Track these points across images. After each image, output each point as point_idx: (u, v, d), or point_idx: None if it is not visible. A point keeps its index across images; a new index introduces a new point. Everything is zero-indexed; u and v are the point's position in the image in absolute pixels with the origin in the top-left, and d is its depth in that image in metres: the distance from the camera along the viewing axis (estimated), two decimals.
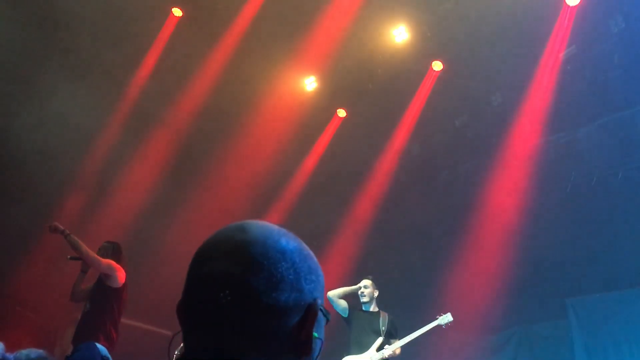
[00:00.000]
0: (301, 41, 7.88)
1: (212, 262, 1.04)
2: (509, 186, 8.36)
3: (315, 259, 1.13)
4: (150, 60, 8.16)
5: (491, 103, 8.30)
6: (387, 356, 6.20)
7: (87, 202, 8.59)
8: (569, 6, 7.06)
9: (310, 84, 8.63)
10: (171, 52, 8.15)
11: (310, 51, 8.02)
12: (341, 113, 8.99)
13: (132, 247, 8.41)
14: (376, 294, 6.59)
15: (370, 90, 8.49)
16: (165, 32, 8.06)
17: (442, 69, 8.11)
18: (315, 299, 1.07)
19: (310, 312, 1.05)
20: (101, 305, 5.61)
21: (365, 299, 6.51)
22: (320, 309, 1.08)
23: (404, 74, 8.21)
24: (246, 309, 1.00)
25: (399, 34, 7.85)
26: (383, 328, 6.36)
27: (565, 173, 8.42)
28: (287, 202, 9.54)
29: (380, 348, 6.26)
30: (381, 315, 6.50)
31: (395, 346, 6.30)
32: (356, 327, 6.44)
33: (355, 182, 9.41)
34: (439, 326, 6.54)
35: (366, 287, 6.56)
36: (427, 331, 6.46)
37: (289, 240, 1.09)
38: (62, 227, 5.56)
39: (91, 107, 8.03)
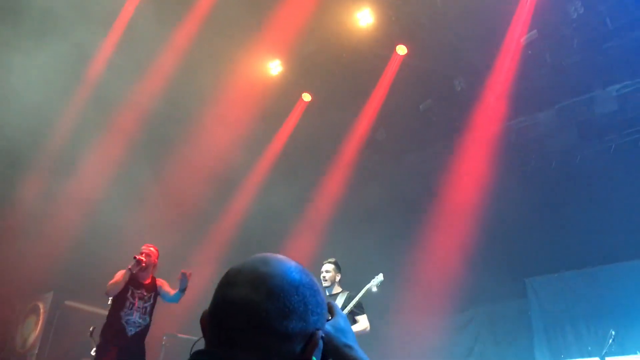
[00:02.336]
0: (265, 24, 7.81)
1: (237, 288, 1.24)
2: (471, 169, 8.50)
3: (322, 294, 1.31)
4: (112, 40, 7.97)
5: (454, 87, 8.41)
6: None
7: (45, 184, 8.37)
8: None
9: (275, 67, 8.57)
10: (133, 33, 7.96)
11: (274, 35, 7.95)
12: (306, 97, 8.96)
13: (90, 229, 8.30)
14: (338, 277, 6.58)
15: (335, 74, 8.48)
16: (127, 13, 7.88)
17: (406, 53, 8.15)
18: (317, 329, 1.26)
19: (312, 340, 1.24)
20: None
21: (326, 283, 6.55)
22: (321, 337, 1.26)
23: (368, 57, 8.23)
24: (260, 331, 1.20)
25: (364, 17, 7.84)
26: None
27: (525, 156, 8.60)
28: (252, 186, 9.49)
29: None
30: (340, 295, 6.55)
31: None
32: None
33: (319, 165, 9.43)
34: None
35: (327, 272, 6.56)
36: (365, 294, 6.36)
37: (303, 276, 1.28)
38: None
39: (50, 85, 7.79)
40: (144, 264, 6.05)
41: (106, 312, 6.08)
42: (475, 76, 8.10)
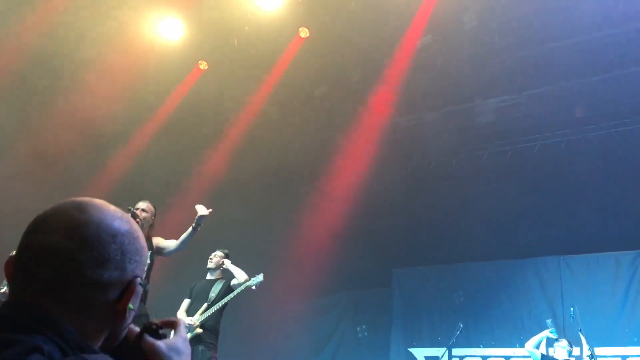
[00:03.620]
0: None
1: (47, 235, 1.15)
2: (355, 158, 8.76)
3: (143, 240, 1.25)
4: None
5: (351, 78, 8.58)
6: (194, 321, 6.35)
7: None
8: None
9: (173, 31, 8.27)
10: None
11: None
12: (202, 65, 8.79)
13: None
14: (225, 264, 6.68)
15: (235, 47, 8.38)
16: None
17: (307, 37, 8.19)
18: (135, 277, 1.21)
19: (129, 288, 1.20)
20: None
21: (210, 265, 6.71)
22: (141, 284, 1.22)
23: (271, 35, 8.18)
24: (72, 281, 1.13)
25: None
26: (212, 295, 6.49)
27: (407, 153, 8.98)
28: (136, 148, 9.19)
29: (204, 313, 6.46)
30: (219, 282, 6.63)
31: (202, 310, 6.44)
32: (194, 296, 6.64)
33: (206, 136, 9.33)
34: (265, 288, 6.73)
35: (215, 256, 6.74)
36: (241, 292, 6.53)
37: (122, 224, 1.21)
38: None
39: None
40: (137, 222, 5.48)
41: None
42: (371, 70, 8.29)
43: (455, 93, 8.13)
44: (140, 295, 1.26)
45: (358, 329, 9.83)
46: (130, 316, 1.22)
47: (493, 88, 8.02)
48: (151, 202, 5.66)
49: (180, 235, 5.60)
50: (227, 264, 6.64)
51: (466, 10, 7.41)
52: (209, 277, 6.72)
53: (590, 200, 8.57)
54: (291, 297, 8.99)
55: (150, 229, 5.52)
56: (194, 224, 5.50)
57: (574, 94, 7.70)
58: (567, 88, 7.69)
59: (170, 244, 5.63)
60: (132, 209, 5.32)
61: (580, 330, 7.27)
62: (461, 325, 8.36)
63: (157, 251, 5.60)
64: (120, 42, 8.00)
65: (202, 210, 5.53)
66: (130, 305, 1.20)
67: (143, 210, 5.46)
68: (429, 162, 8.86)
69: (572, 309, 7.36)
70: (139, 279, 1.22)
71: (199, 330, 6.35)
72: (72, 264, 1.13)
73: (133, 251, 1.21)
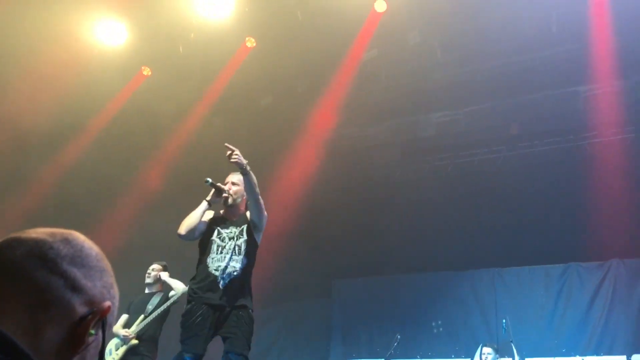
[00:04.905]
0: None
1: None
2: (299, 168, 8.79)
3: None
4: None
5: (296, 89, 8.63)
6: (130, 333, 6.24)
7: None
8: (376, 12, 7.57)
9: (115, 35, 8.08)
10: None
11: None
12: (146, 71, 8.63)
13: None
14: (162, 277, 6.60)
15: (180, 53, 8.28)
16: None
17: (254, 46, 8.20)
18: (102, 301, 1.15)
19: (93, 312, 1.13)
20: (253, 262, 4.89)
21: (149, 280, 6.63)
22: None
23: (217, 43, 8.14)
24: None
25: (218, 4, 7.74)
26: (150, 307, 6.38)
27: (351, 165, 9.08)
28: (68, 157, 8.89)
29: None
30: (157, 295, 6.52)
31: (139, 322, 6.33)
32: (131, 310, 6.54)
33: (150, 143, 9.16)
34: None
35: (153, 270, 6.65)
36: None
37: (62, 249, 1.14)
38: (244, 161, 4.52)
39: None
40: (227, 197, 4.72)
41: None
42: (316, 81, 8.36)
43: (399, 107, 8.31)
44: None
45: (298, 340, 9.79)
46: (92, 343, 1.13)
47: (435, 103, 8.25)
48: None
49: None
50: (165, 276, 6.56)
51: (410, 27, 7.61)
52: (147, 290, 6.65)
53: (523, 214, 8.91)
54: None
55: (244, 204, 4.90)
56: (241, 170, 4.54)
57: (510, 112, 8.03)
58: (504, 106, 8.01)
59: (251, 211, 4.82)
60: (209, 180, 4.72)
61: (512, 341, 7.52)
62: (398, 336, 8.48)
63: (254, 226, 4.84)
64: (58, 45, 7.73)
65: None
66: (92, 331, 1.12)
67: (234, 183, 4.81)
68: (372, 174, 9.00)
69: (504, 320, 7.61)
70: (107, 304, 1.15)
71: (135, 341, 6.23)
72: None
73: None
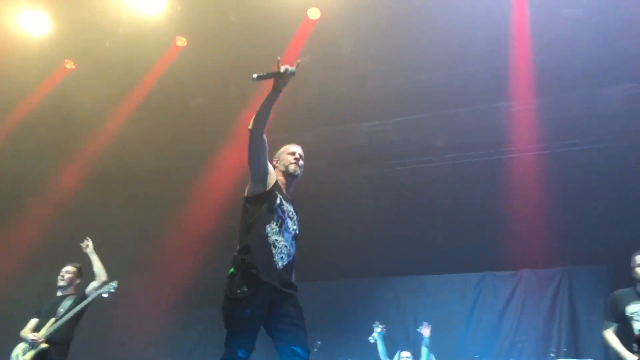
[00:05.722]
0: None
1: None
2: (229, 175, 8.67)
3: None
4: None
5: (228, 91, 8.50)
6: (38, 336, 5.98)
7: None
8: (310, 19, 7.60)
9: (37, 25, 7.66)
10: None
11: None
12: (69, 64, 8.23)
13: None
14: (77, 281, 6.42)
15: (106, 48, 7.97)
16: None
17: (185, 46, 8.01)
18: None
19: None
20: None
21: (62, 283, 6.37)
22: None
23: (146, 41, 7.89)
24: None
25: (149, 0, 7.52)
26: (61, 310, 6.13)
27: None
28: None
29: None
30: (68, 298, 6.29)
31: (49, 325, 6.07)
32: (41, 314, 6.26)
33: (70, 139, 8.76)
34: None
35: (68, 273, 6.42)
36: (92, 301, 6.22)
37: None
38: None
39: None
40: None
41: None
42: (248, 85, 8.21)
43: (331, 114, 8.38)
44: None
45: (221, 345, 9.61)
46: None
47: (366, 113, 8.39)
48: None
49: None
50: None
51: (343, 36, 7.70)
52: (59, 293, 6.36)
53: (445, 224, 9.23)
54: (154, 311, 8.61)
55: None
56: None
57: (437, 124, 8.29)
58: (432, 118, 8.28)
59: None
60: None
61: (427, 346, 7.81)
62: (319, 342, 8.56)
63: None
64: None
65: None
66: None
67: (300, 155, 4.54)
68: (301, 180, 9.00)
69: (421, 326, 7.90)
70: None
71: (44, 345, 5.95)
72: None
73: None
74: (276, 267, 3.94)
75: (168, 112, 8.74)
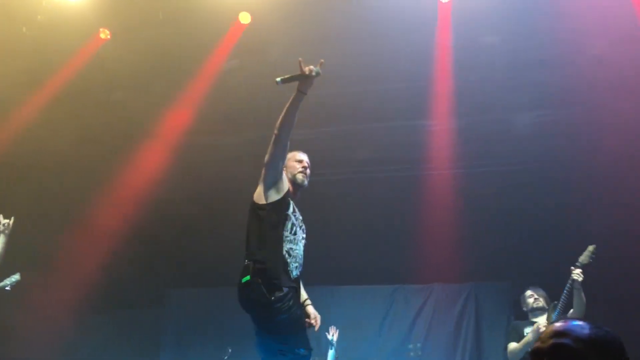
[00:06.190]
0: None
1: None
2: (145, 175, 8.47)
3: None
4: None
5: (150, 88, 8.27)
6: None
7: None
8: (240, 23, 7.54)
9: None
10: None
11: None
12: None
13: None
14: None
15: (23, 34, 7.59)
16: None
17: (108, 39, 7.76)
18: None
19: None
20: None
21: None
22: None
23: (66, 30, 7.57)
24: None
25: None
26: None
27: (201, 175, 8.93)
28: None
29: None
30: None
31: None
32: None
33: None
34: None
35: None
36: None
37: None
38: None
39: None
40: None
41: None
42: (172, 84, 8.10)
43: (256, 121, 8.33)
44: None
45: (125, 350, 9.33)
46: None
47: None
48: None
49: None
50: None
51: (272, 43, 7.68)
52: None
53: (360, 235, 9.37)
54: (52, 312, 8.23)
55: None
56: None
57: (358, 137, 8.43)
58: (353, 131, 8.41)
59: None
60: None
61: (333, 348, 7.95)
62: (230, 349, 8.50)
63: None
64: None
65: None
66: None
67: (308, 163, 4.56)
68: (222, 186, 8.90)
69: (331, 337, 8.03)
70: None
71: None
72: None
73: None
74: (290, 277, 3.98)
75: (86, 104, 8.41)
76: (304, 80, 4.00)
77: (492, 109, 8.04)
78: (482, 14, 6.78)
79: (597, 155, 8.01)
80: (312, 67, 3.95)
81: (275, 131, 4.14)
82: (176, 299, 9.80)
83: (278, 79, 3.98)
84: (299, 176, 4.40)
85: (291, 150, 4.50)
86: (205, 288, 9.83)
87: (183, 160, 8.61)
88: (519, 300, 7.05)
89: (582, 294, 5.93)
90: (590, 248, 6.02)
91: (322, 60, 3.96)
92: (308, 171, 4.50)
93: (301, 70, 3.94)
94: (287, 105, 4.11)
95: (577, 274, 5.86)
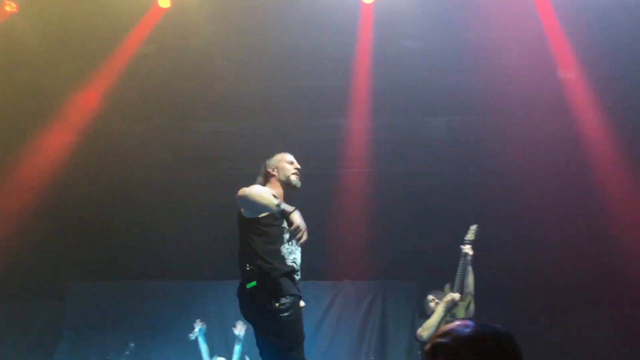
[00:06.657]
0: None
1: None
2: (49, 158, 8.05)
3: None
4: None
5: (59, 68, 7.75)
6: None
7: None
8: (159, 7, 7.24)
9: None
10: None
11: None
12: None
13: None
14: None
15: None
16: None
17: (14, 12, 7.24)
18: None
19: None
20: None
21: None
22: None
23: None
24: None
25: None
26: None
27: (108, 162, 8.60)
28: None
29: None
30: None
31: None
32: None
33: None
34: None
35: None
36: None
37: None
38: None
39: None
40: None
41: None
42: (83, 64, 7.65)
43: (171, 110, 8.09)
44: None
45: (21, 344, 8.84)
46: None
47: (206, 112, 8.22)
48: None
49: None
50: None
51: (193, 31, 7.44)
52: None
53: None
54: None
55: None
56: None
57: (278, 132, 8.35)
58: (272, 126, 8.33)
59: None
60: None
61: (240, 344, 7.95)
62: (132, 344, 8.29)
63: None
64: None
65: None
66: None
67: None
68: (130, 174, 8.58)
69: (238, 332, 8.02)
70: None
71: None
72: None
73: None
74: (295, 283, 4.19)
75: None
76: (285, 217, 4.03)
77: (408, 111, 8.21)
78: (403, 18, 6.90)
79: (501, 163, 8.40)
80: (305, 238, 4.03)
81: (242, 194, 4.14)
82: (78, 292, 9.40)
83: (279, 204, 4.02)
84: (293, 178, 4.46)
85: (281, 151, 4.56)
86: (109, 282, 9.48)
87: (90, 144, 8.21)
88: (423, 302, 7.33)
89: (471, 268, 6.81)
90: (473, 227, 6.96)
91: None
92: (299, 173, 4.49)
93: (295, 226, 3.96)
94: (267, 199, 4.10)
95: (468, 248, 6.80)
